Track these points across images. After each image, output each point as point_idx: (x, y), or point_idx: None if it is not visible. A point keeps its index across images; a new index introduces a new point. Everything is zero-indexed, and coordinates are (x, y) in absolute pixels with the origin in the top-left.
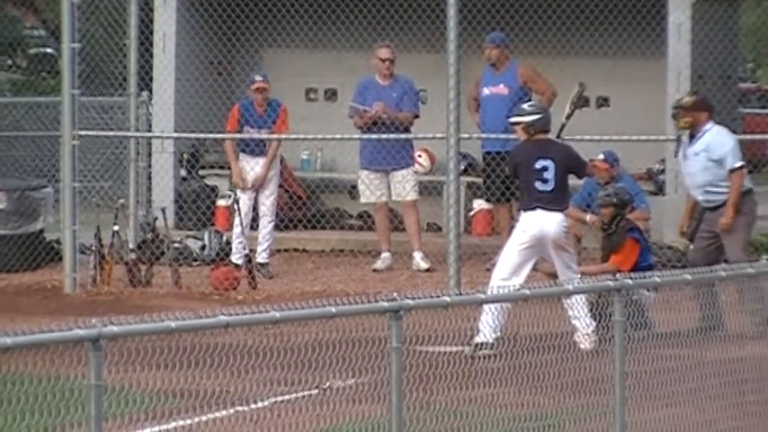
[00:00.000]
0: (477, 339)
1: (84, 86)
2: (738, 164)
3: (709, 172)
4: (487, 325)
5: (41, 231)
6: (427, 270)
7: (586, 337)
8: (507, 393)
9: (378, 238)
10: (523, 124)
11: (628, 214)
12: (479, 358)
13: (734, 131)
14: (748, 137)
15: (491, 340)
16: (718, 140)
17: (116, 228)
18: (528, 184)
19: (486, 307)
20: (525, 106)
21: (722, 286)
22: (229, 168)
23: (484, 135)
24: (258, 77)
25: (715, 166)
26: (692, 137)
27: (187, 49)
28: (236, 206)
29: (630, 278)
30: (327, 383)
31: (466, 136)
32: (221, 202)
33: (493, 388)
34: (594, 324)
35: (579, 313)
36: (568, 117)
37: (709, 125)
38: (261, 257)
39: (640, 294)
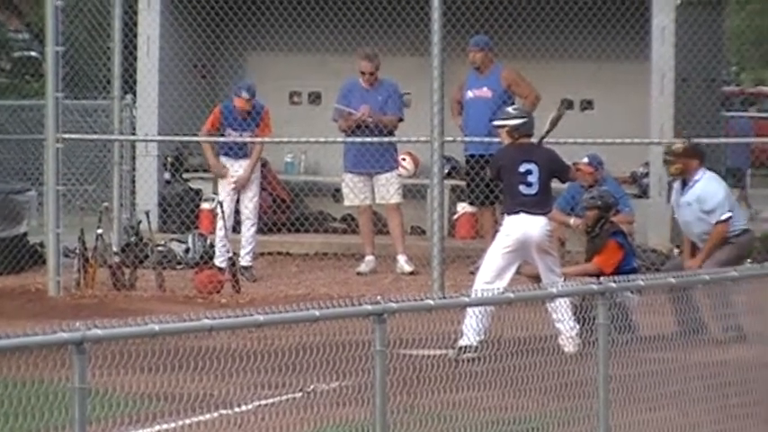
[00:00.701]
0: (461, 342)
1: (68, 90)
2: (724, 216)
3: (703, 222)
4: (471, 328)
5: (25, 234)
6: (411, 273)
7: (570, 340)
8: (491, 397)
9: (361, 242)
10: (508, 128)
11: (612, 217)
12: (463, 361)
13: (716, 136)
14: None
15: (475, 343)
16: (709, 191)
17: (100, 231)
18: (512, 187)
19: (470, 310)
20: (510, 110)
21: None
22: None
23: (467, 138)
24: (244, 94)
25: (709, 217)
26: (684, 184)
27: (171, 53)
28: (219, 209)
29: (614, 281)
30: (311, 387)
31: (450, 139)
32: (205, 206)
33: (476, 391)
34: (578, 327)
35: (563, 316)
36: (546, 134)
37: (699, 174)
38: (244, 261)
39: (624, 297)
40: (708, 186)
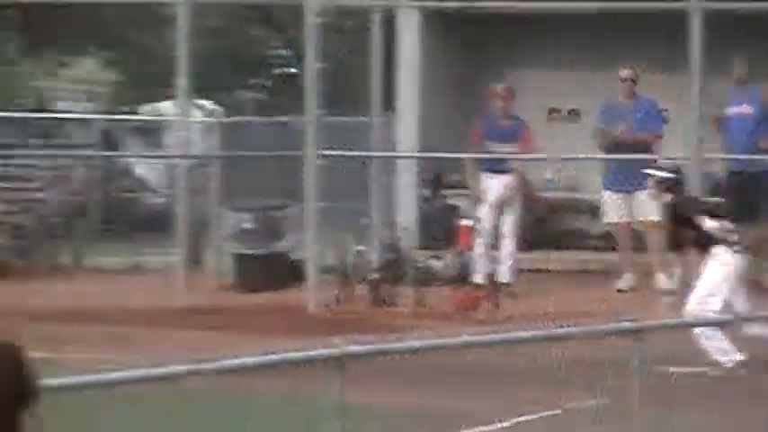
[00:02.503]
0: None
1: (328, 106)
2: None
3: None
4: (718, 350)
5: (285, 251)
6: (670, 291)
7: None
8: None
9: (620, 259)
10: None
11: None
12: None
13: None
14: None
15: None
16: None
17: (360, 247)
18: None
19: (699, 333)
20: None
21: None
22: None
23: (728, 156)
24: (500, 85)
25: None
26: None
27: (431, 70)
28: (478, 226)
29: None
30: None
31: (710, 156)
32: (463, 222)
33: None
34: None
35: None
36: None
37: None
38: (503, 277)
39: None
40: None
